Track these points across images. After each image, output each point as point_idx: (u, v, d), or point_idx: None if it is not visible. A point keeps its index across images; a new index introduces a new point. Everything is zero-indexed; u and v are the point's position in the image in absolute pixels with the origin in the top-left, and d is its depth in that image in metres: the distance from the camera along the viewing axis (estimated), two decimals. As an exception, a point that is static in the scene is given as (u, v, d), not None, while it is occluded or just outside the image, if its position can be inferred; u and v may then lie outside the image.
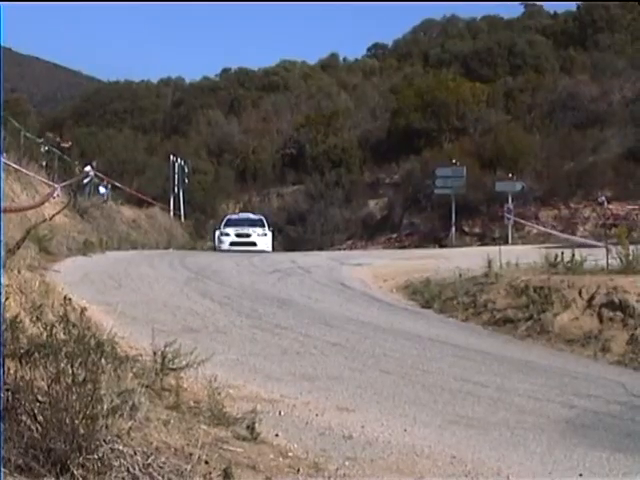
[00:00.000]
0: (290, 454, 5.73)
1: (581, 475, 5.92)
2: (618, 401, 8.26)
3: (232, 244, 28.87)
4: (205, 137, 46.68)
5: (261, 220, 31.28)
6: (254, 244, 29.05)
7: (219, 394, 6.54)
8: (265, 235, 29.76)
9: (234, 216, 32.81)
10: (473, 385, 8.50)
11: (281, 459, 5.56)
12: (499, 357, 10.29)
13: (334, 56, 62.75)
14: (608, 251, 13.97)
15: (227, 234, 29.64)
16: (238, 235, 29.45)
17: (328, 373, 8.62)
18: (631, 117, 36.14)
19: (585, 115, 37.21)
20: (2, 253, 8.48)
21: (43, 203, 19.12)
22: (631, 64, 41.74)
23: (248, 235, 29.50)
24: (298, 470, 5.39)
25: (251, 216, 32.50)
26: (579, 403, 8.03)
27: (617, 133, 35.64)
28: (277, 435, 6.19)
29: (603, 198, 29.06)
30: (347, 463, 5.74)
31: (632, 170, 31.96)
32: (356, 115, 45.14)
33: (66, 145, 29.12)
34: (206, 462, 4.90)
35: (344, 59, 62.92)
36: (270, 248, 29.31)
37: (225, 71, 60.83)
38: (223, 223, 30.89)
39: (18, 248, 10.46)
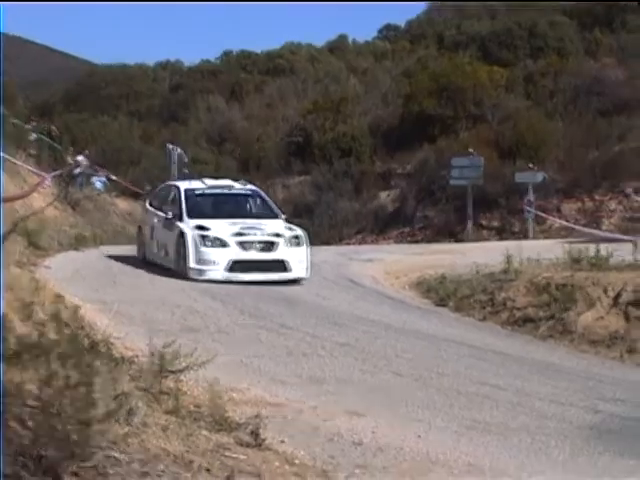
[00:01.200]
0: (297, 461, 5.74)
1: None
2: (647, 406, 8.26)
3: (236, 267, 14.62)
4: (205, 124, 46.70)
5: (260, 197, 16.88)
6: (282, 265, 14.89)
7: (221, 398, 6.55)
8: (298, 240, 15.22)
9: (194, 185, 16.63)
10: (491, 388, 8.50)
11: (287, 467, 5.56)
12: (519, 358, 10.30)
13: (343, 38, 62.62)
14: (636, 246, 13.95)
15: (217, 240, 14.75)
16: (245, 244, 14.88)
17: (337, 376, 8.63)
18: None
19: (611, 101, 37.09)
20: (2, 252, 8.48)
21: (31, 192, 19.18)
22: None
23: (269, 244, 14.99)
24: (305, 478, 5.39)
25: (236, 187, 16.79)
26: (605, 408, 8.03)
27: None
28: (283, 441, 6.20)
29: (630, 190, 29.00)
30: (357, 471, 5.75)
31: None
32: (366, 101, 45.09)
33: (53, 132, 29.18)
34: (207, 470, 4.90)
35: (353, 41, 62.80)
36: (308, 271, 15.22)
37: (226, 54, 60.76)
38: (183, 205, 15.61)
39: (4, 242, 10.49)
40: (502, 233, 31.66)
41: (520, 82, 41.17)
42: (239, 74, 53.94)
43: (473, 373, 9.16)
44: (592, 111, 36.79)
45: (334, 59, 55.46)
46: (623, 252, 14.10)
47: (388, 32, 64.78)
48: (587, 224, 28.72)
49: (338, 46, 60.38)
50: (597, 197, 32.67)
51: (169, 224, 15.57)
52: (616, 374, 9.82)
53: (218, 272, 14.54)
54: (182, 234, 14.92)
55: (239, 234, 14.91)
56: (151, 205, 17.19)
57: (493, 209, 33.05)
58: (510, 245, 16.66)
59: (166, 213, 15.78)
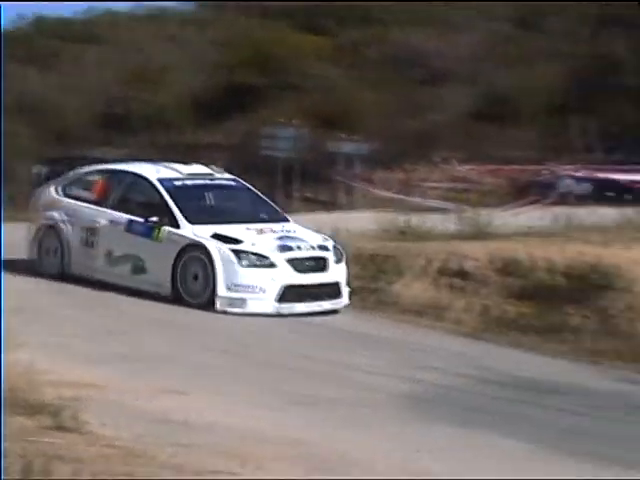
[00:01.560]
0: (118, 444, 5.65)
1: (419, 451, 6.20)
2: (462, 374, 8.66)
3: (287, 295, 11.07)
4: (16, 95, 45.03)
5: (248, 190, 13.06)
6: (337, 289, 11.50)
7: (37, 381, 6.43)
8: (341, 254, 11.73)
9: (165, 174, 12.17)
10: (313, 362, 8.71)
11: (108, 450, 5.48)
12: (338, 330, 10.53)
13: (163, 6, 61.62)
14: (455, 216, 14.45)
15: (260, 257, 11.08)
16: (295, 262, 11.24)
17: (161, 354, 8.62)
18: (479, 73, 37.19)
19: (431, 71, 38.00)
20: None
21: None
22: (481, 17, 42.89)
23: (321, 261, 11.47)
24: (127, 461, 5.34)
25: (217, 175, 13.09)
26: (422, 377, 8.36)
27: (466, 91, 36.56)
28: (103, 424, 6.10)
29: (449, 160, 30.03)
30: (182, 450, 5.69)
31: (480, 130, 32.99)
32: (187, 71, 44.55)
33: None
34: (19, 456, 4.80)
35: (173, 10, 61.92)
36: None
37: (38, 20, 58.72)
38: (172, 204, 11.59)
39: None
40: (326, 205, 32.03)
41: (342, 52, 41.61)
42: (53, 42, 52.27)
43: (296, 347, 9.35)
44: (413, 81, 37.62)
45: (153, 28, 54.52)
46: (443, 222, 14.52)
47: (210, 0, 64.16)
48: (409, 194, 29.50)
49: (158, 14, 59.41)
50: (418, 167, 33.57)
51: (146, 230, 11.59)
52: (433, 343, 10.18)
53: (265, 302, 10.93)
54: (199, 248, 11.04)
55: (284, 248, 11.26)
56: (71, 197, 12.68)
57: (316, 181, 33.39)
58: (332, 218, 16.92)
59: (146, 215, 11.61)
